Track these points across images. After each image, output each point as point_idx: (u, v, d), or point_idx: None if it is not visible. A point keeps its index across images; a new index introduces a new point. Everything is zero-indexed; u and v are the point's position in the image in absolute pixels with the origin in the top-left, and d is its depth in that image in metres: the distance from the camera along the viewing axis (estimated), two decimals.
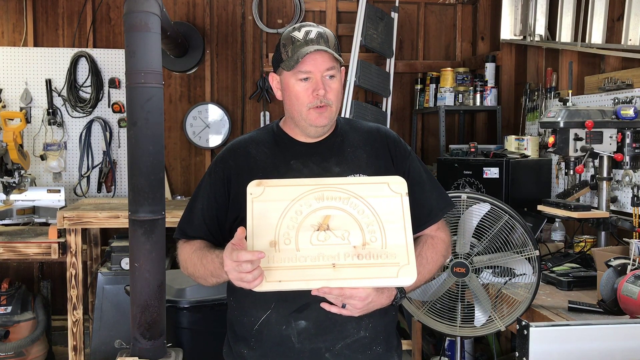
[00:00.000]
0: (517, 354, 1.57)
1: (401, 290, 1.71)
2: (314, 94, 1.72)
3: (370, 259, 1.58)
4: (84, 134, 4.71)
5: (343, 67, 1.83)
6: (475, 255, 2.50)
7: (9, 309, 3.96)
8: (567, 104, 2.94)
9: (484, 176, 3.56)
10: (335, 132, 1.85)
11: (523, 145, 3.79)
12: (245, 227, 1.60)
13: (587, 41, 3.61)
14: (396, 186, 1.67)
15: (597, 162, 2.97)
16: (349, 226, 1.61)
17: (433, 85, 4.77)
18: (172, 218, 3.08)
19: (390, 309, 1.78)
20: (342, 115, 4.19)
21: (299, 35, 1.73)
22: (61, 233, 3.74)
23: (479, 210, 2.48)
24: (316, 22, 4.72)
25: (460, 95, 4.61)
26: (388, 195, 1.66)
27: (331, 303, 1.63)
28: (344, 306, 1.62)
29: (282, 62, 1.75)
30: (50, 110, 4.65)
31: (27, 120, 4.60)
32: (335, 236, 1.60)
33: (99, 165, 4.75)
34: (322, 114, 1.74)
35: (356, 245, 1.59)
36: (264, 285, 1.55)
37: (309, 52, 1.69)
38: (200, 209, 1.83)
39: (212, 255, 1.69)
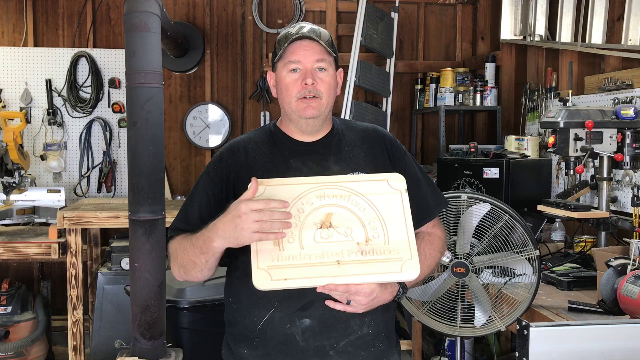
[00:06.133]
0: (517, 354, 1.57)
1: (403, 286, 1.73)
2: (302, 83, 1.74)
3: (374, 255, 1.59)
4: (84, 134, 4.71)
5: (341, 70, 1.86)
6: (475, 255, 2.49)
7: (9, 309, 3.96)
8: (567, 104, 2.94)
9: (484, 176, 3.56)
10: (333, 132, 1.87)
11: (523, 145, 3.79)
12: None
13: (587, 41, 3.61)
14: (395, 183, 1.69)
15: (597, 162, 2.97)
16: (352, 223, 1.63)
17: (433, 85, 4.77)
18: (172, 218, 3.04)
19: (391, 305, 1.79)
20: (342, 116, 4.21)
21: (293, 30, 1.78)
22: (61, 233, 3.74)
23: (479, 210, 2.48)
24: (316, 22, 4.72)
25: (460, 95, 4.60)
26: (388, 192, 1.67)
27: (336, 300, 1.63)
28: (348, 303, 1.63)
29: (276, 56, 1.79)
30: (50, 110, 4.64)
31: (27, 120, 4.60)
32: (338, 233, 1.61)
33: (99, 166, 4.75)
34: (310, 105, 1.75)
35: (359, 242, 1.60)
36: (270, 283, 1.55)
37: (297, 40, 1.73)
38: (197, 207, 1.83)
39: (203, 230, 1.65)
